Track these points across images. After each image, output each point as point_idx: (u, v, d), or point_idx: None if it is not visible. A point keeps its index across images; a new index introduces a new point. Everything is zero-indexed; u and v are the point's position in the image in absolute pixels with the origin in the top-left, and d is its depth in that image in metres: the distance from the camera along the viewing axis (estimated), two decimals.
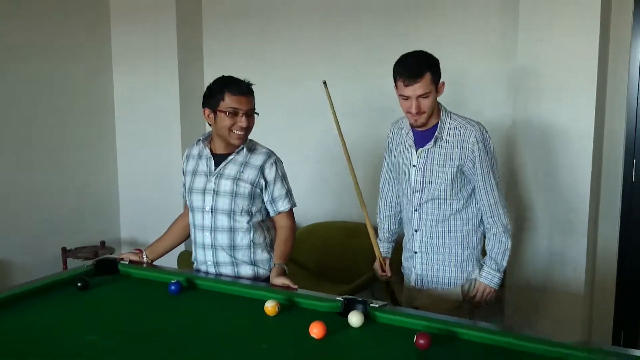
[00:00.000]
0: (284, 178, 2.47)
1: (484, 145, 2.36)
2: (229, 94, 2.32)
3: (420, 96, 2.28)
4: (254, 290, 2.19)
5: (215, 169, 2.42)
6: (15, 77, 3.92)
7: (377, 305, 1.98)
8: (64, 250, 4.16)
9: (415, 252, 2.52)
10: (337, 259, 3.90)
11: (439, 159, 2.39)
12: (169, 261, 3.21)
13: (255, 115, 2.40)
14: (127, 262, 2.51)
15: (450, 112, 2.42)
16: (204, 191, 2.43)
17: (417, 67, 2.27)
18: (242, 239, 2.43)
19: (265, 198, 2.45)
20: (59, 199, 4.23)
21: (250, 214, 2.42)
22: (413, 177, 2.45)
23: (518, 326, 2.96)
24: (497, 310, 3.32)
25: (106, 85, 4.49)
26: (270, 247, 2.49)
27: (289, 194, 2.48)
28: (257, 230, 2.46)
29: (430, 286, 2.49)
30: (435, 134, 2.38)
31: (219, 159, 2.43)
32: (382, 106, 3.56)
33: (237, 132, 2.33)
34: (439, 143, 2.38)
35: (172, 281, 2.22)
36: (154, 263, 2.59)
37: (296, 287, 2.21)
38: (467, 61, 3.46)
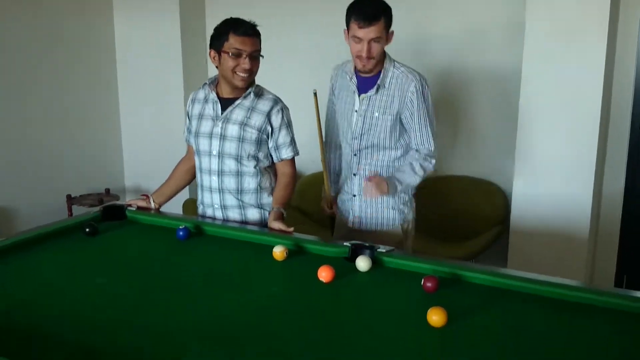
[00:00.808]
0: (289, 125, 2.46)
1: (422, 95, 2.39)
2: (233, 35, 2.28)
3: (372, 40, 2.30)
4: (262, 236, 2.20)
5: (222, 113, 2.40)
6: (15, 29, 3.85)
7: (384, 250, 1.99)
8: (68, 197, 4.17)
9: (354, 195, 2.56)
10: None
11: (380, 107, 2.42)
12: (174, 209, 3.22)
13: (261, 58, 2.36)
14: (134, 209, 2.52)
15: (394, 61, 2.44)
16: (210, 135, 2.41)
17: (373, 10, 2.28)
18: (250, 182, 2.43)
19: (270, 144, 2.44)
20: (63, 148, 4.22)
21: (257, 159, 2.42)
22: (354, 123, 2.49)
23: (522, 269, 2.98)
24: (500, 253, 3.35)
25: (107, 34, 4.41)
26: None
27: (293, 142, 2.48)
28: (264, 174, 2.47)
29: (369, 227, 2.54)
30: (378, 81, 2.40)
31: (225, 103, 2.40)
32: None
33: (241, 74, 2.30)
34: (381, 91, 2.41)
35: (180, 227, 2.22)
36: (161, 209, 2.60)
37: (292, 229, 2.26)
38: (478, 11, 3.38)
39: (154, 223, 2.41)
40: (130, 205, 2.54)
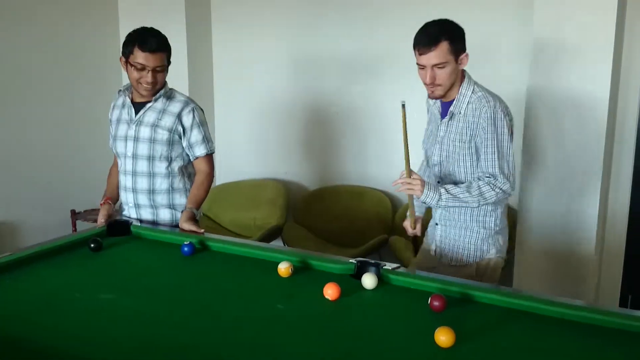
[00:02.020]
0: (201, 125, 2.56)
1: (494, 123, 2.20)
2: (137, 49, 2.38)
3: (435, 66, 2.17)
4: (267, 252, 2.19)
5: (135, 117, 2.52)
6: (21, 34, 3.87)
7: (390, 268, 1.98)
8: (73, 212, 4.17)
9: (437, 224, 2.46)
10: (345, 223, 3.91)
11: (455, 134, 2.29)
12: None
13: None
14: (138, 224, 2.52)
15: (475, 84, 2.28)
16: (125, 138, 2.56)
17: (433, 35, 2.15)
18: (161, 183, 2.56)
19: (184, 144, 2.56)
20: (67, 162, 4.23)
21: (169, 159, 2.55)
22: (434, 149, 2.40)
23: (529, 289, 2.96)
24: (505, 273, 3.33)
25: (112, 42, 4.42)
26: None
27: (205, 140, 2.57)
28: (177, 175, 2.59)
29: (445, 260, 2.43)
30: (451, 108, 2.28)
31: (138, 106, 2.53)
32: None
33: (144, 85, 2.42)
34: (457, 117, 2.28)
35: (185, 242, 2.22)
36: (163, 226, 2.60)
37: (202, 231, 2.34)
38: (484, 26, 3.40)
39: (158, 239, 2.40)
40: (131, 221, 2.54)
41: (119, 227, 2.48)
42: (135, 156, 2.55)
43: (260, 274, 2.04)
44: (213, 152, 2.62)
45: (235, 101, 4.38)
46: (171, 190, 2.59)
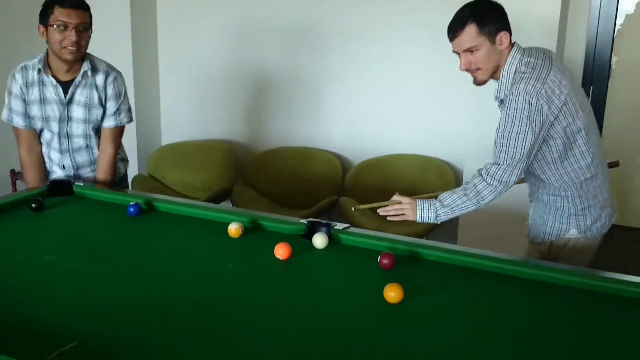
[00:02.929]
0: (118, 96, 2.49)
1: (509, 104, 1.97)
2: (58, 7, 2.29)
3: (467, 51, 2.01)
4: (217, 213, 2.16)
5: (65, 97, 2.42)
6: None
7: (340, 228, 1.99)
8: (12, 172, 3.99)
9: (530, 201, 2.31)
10: (295, 185, 3.91)
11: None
12: None
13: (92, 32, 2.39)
14: (81, 184, 2.43)
15: (519, 62, 2.02)
16: (59, 119, 2.45)
17: (460, 18, 2.01)
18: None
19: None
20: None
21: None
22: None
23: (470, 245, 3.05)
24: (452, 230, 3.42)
25: None
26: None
27: (118, 112, 2.50)
28: None
29: (531, 236, 2.28)
30: (496, 93, 2.10)
31: (65, 85, 2.42)
32: None
33: (69, 47, 2.31)
34: (503, 104, 2.06)
35: (131, 203, 2.16)
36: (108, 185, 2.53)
37: None
38: None
39: (102, 199, 2.33)
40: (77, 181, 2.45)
41: (60, 186, 2.39)
42: (70, 135, 2.48)
43: (210, 234, 2.01)
44: (123, 125, 2.56)
45: (180, 64, 4.24)
46: None
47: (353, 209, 2.10)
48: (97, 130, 2.53)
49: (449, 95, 3.52)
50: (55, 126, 2.47)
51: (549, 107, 1.94)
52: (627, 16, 4.58)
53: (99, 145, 2.54)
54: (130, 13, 4.01)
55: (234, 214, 2.15)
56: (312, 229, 1.99)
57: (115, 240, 1.99)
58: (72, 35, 2.28)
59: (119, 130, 2.55)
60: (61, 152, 2.52)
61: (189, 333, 1.39)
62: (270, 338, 1.39)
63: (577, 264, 2.06)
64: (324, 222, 2.02)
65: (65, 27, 2.27)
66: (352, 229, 2.02)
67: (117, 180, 2.63)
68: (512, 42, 2.06)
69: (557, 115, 1.97)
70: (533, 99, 1.93)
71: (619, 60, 4.65)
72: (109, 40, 4.06)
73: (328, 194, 3.72)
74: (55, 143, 2.51)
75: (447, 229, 3.44)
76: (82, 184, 2.43)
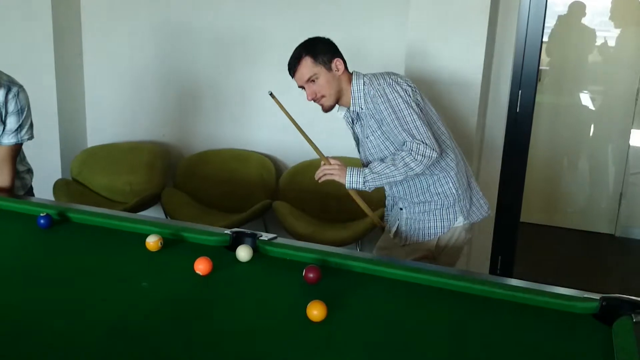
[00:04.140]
0: (21, 112, 2.32)
1: (384, 97, 2.18)
2: None
3: (308, 81, 2.23)
4: (135, 224, 2.03)
5: None
6: None
7: (266, 239, 1.90)
8: None
9: (401, 209, 2.43)
10: (228, 188, 3.79)
11: (367, 130, 2.29)
12: (43, 191, 2.95)
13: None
14: None
15: (364, 77, 2.27)
16: None
17: (295, 55, 2.24)
18: None
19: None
20: None
21: None
22: (361, 154, 2.42)
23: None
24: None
25: None
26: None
27: (19, 128, 2.33)
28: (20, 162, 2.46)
29: (413, 239, 2.40)
30: (352, 108, 2.30)
31: None
32: None
33: None
34: (362, 115, 2.29)
35: (42, 214, 2.00)
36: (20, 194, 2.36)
37: None
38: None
39: (9, 208, 2.15)
40: None
41: None
42: None
43: (126, 248, 1.89)
44: (22, 143, 2.37)
45: (106, 63, 4.04)
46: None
47: (269, 92, 2.34)
48: None
49: None
50: None
51: (408, 85, 2.22)
52: (560, 17, 4.68)
53: None
54: (52, 7, 3.79)
55: (154, 225, 2.02)
56: (236, 240, 1.90)
57: (21, 256, 1.84)
58: None
59: (19, 148, 2.38)
60: None
61: (95, 355, 1.28)
62: (182, 358, 1.29)
63: (458, 254, 2.40)
64: (249, 232, 1.93)
65: None
66: (280, 240, 1.94)
67: (24, 194, 2.44)
68: (351, 71, 2.29)
69: (417, 99, 2.23)
70: (396, 87, 2.18)
71: (550, 62, 4.77)
72: (29, 37, 3.85)
73: (262, 197, 3.63)
74: None
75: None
76: None
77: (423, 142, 2.14)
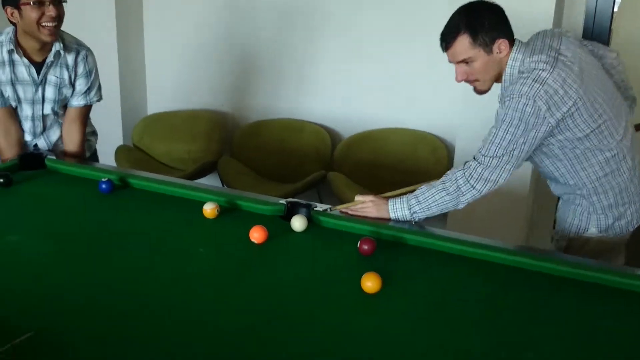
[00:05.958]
0: (89, 74, 2.38)
1: (512, 98, 1.79)
2: None
3: (462, 62, 1.86)
4: (193, 191, 2.06)
5: (38, 77, 2.30)
6: None
7: (321, 209, 1.90)
8: None
9: (559, 198, 2.14)
10: (283, 158, 3.80)
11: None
12: (106, 157, 3.04)
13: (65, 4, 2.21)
14: (54, 157, 2.33)
15: (522, 63, 1.84)
16: (32, 101, 2.36)
17: (451, 27, 1.85)
18: None
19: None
20: None
21: None
22: None
23: (461, 228, 2.98)
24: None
25: None
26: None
27: (88, 90, 2.40)
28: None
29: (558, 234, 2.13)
30: (500, 91, 1.94)
31: (38, 66, 2.30)
32: None
33: (48, 24, 2.15)
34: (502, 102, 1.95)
35: (103, 179, 2.06)
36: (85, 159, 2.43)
37: None
38: None
39: (75, 174, 2.22)
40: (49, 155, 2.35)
41: (32, 159, 2.29)
42: (43, 116, 2.40)
43: (184, 214, 1.92)
44: (91, 104, 2.45)
45: (167, 31, 4.08)
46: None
47: (329, 209, 1.93)
48: (65, 106, 2.43)
49: (441, 68, 3.39)
50: (28, 108, 2.37)
51: (548, 108, 1.76)
52: None
53: None
54: None
55: (211, 192, 2.05)
56: (291, 210, 1.90)
57: (84, 220, 1.90)
58: (50, 10, 2.13)
59: (88, 109, 2.45)
60: (34, 134, 2.43)
61: (155, 320, 1.31)
62: (235, 326, 1.32)
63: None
64: (304, 203, 1.92)
65: (42, 2, 2.12)
66: (334, 211, 1.92)
67: (89, 156, 2.52)
68: (513, 39, 1.88)
69: (560, 122, 1.80)
70: (530, 101, 1.76)
71: (614, 37, 4.51)
72: (92, 6, 3.92)
73: (316, 168, 3.62)
74: (28, 126, 2.41)
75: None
76: (54, 158, 2.32)
77: (491, 168, 1.80)
